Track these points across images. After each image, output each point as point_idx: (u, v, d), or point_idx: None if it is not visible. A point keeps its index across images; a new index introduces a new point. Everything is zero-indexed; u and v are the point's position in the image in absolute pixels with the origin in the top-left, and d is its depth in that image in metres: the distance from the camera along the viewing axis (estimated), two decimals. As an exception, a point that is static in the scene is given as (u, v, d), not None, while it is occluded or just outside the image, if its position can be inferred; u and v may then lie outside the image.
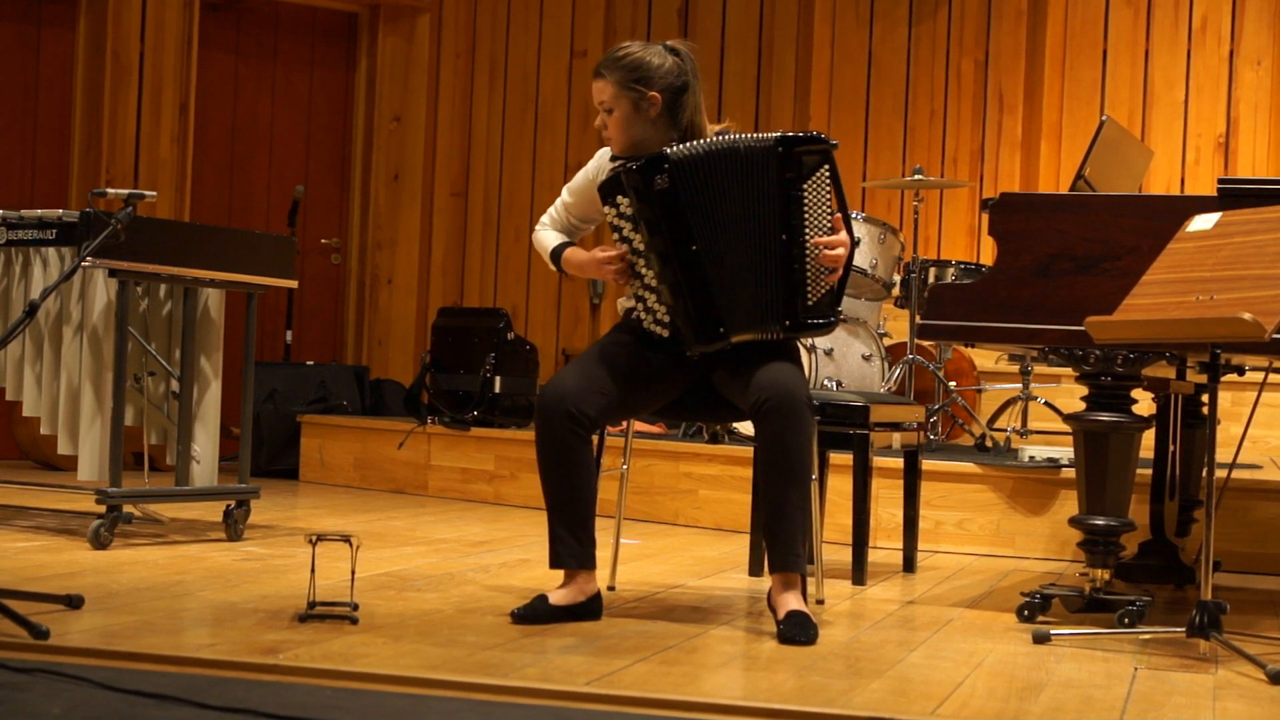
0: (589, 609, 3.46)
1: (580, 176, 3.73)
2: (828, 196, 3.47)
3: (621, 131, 3.54)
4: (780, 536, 3.39)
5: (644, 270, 3.50)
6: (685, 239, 3.44)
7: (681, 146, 3.46)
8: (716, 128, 3.59)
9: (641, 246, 3.49)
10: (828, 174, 3.46)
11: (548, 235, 3.76)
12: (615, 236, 3.53)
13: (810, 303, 3.47)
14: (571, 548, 3.45)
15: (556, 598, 3.43)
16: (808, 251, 3.45)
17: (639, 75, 3.50)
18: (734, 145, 3.45)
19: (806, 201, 3.45)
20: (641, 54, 3.52)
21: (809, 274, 3.46)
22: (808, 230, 3.45)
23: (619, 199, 3.49)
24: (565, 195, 3.76)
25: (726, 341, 3.48)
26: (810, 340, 5.62)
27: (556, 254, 3.69)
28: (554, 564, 3.48)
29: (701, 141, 3.48)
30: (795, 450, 3.38)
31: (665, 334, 3.52)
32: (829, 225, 3.48)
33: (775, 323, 3.47)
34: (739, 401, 3.52)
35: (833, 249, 3.47)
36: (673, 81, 3.52)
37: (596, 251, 3.59)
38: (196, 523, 5.08)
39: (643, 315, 3.54)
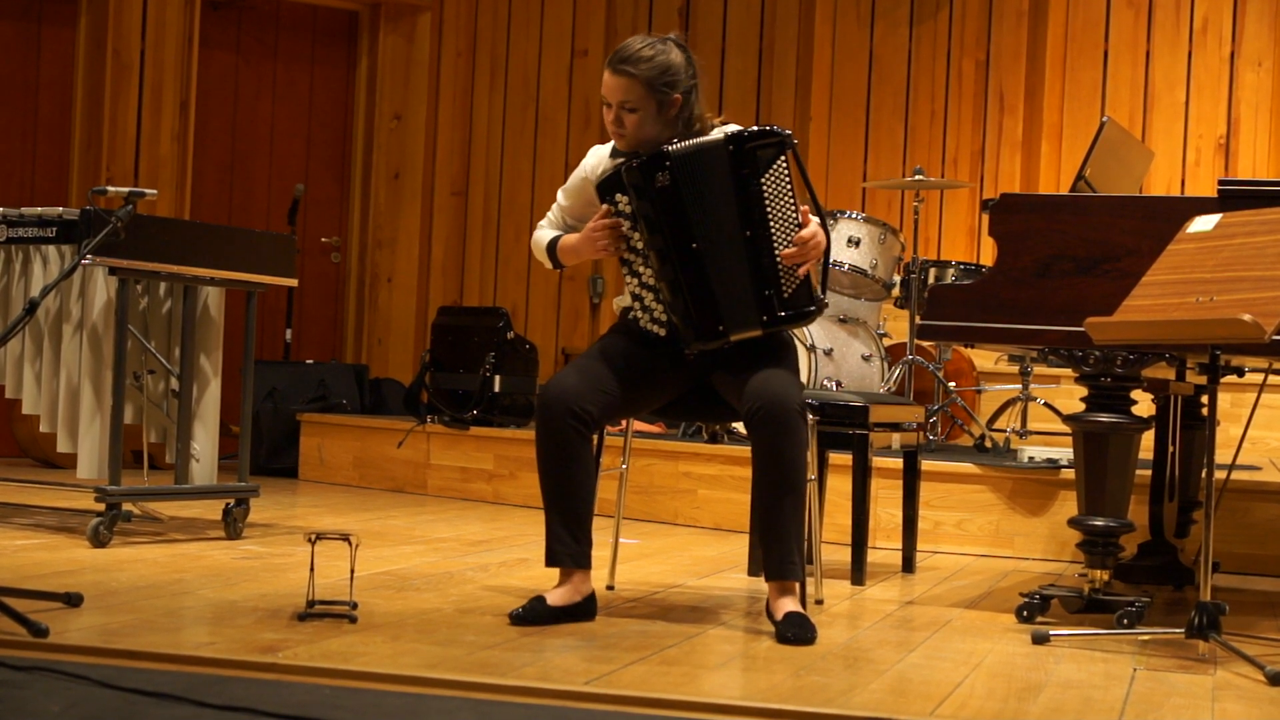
0: (584, 609, 3.45)
1: (574, 176, 3.71)
2: (789, 188, 3.44)
3: (639, 130, 3.49)
4: (776, 545, 3.38)
5: (642, 269, 3.50)
6: (686, 237, 3.43)
7: (681, 144, 3.45)
8: (718, 120, 3.58)
9: (640, 245, 3.49)
10: (785, 166, 3.43)
11: (543, 234, 3.75)
12: None
13: (786, 295, 3.45)
14: (569, 546, 3.44)
15: (554, 598, 3.42)
16: (775, 245, 3.43)
17: (667, 79, 3.47)
18: (706, 142, 3.44)
19: (767, 195, 3.42)
20: (665, 55, 3.48)
21: (780, 268, 3.44)
22: (772, 224, 3.42)
23: (618, 196, 3.49)
24: (560, 198, 3.75)
25: (726, 339, 3.46)
26: (810, 339, 5.62)
27: (552, 245, 3.68)
28: (550, 562, 3.47)
29: (695, 139, 3.47)
30: (789, 459, 3.37)
31: (662, 333, 3.51)
32: (795, 218, 3.45)
33: (754, 321, 3.45)
34: (736, 405, 3.51)
35: (801, 246, 3.42)
36: (689, 81, 3.52)
37: (588, 226, 3.56)
38: (196, 521, 5.08)
39: (639, 314, 3.54)
